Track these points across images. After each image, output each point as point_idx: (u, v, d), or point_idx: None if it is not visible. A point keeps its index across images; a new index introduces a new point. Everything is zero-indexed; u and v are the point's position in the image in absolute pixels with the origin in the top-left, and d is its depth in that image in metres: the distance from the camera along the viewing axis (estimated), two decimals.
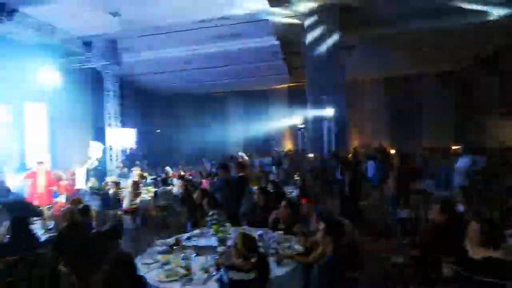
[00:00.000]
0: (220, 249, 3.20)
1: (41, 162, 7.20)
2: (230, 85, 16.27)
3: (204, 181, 7.93)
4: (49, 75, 9.41)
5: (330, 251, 2.41)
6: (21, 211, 5.35)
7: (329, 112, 8.33)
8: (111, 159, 10.63)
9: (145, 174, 9.06)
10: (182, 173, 8.74)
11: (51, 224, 4.68)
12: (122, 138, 11.64)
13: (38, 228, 4.33)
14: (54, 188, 7.28)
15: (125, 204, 6.60)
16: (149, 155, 14.34)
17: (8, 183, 6.95)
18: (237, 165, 5.55)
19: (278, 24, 9.33)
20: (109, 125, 10.72)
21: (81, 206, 4.32)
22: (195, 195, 4.72)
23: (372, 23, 9.37)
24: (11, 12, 7.59)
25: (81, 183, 8.01)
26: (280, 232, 3.72)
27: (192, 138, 16.83)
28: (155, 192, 6.73)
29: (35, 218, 4.68)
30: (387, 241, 5.15)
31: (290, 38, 10.32)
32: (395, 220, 4.95)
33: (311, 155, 9.11)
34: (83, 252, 3.47)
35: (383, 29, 9.76)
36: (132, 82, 14.06)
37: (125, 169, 10.14)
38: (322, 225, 2.49)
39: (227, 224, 3.88)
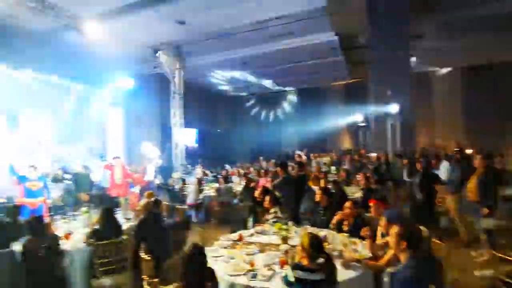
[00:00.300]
0: (283, 247, 3.22)
1: (117, 157, 8.10)
2: (286, 83, 16.27)
3: (262, 179, 8.06)
4: (125, 82, 10.58)
5: (405, 258, 2.24)
6: (105, 202, 6.13)
7: (394, 108, 7.78)
8: (176, 157, 11.46)
9: (207, 171, 9.57)
10: (242, 171, 9.01)
11: (126, 214, 5.25)
12: (185, 137, 12.48)
13: (119, 217, 4.86)
14: (130, 180, 8.13)
15: (190, 199, 7.08)
16: (209, 153, 15.10)
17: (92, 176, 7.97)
18: (296, 164, 5.52)
19: (337, 18, 8.99)
20: (175, 125, 11.56)
21: (153, 199, 4.74)
22: (256, 193, 4.82)
23: (444, 7, 8.43)
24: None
25: (151, 178, 8.82)
26: (344, 234, 3.60)
27: (249, 137, 17.25)
28: (218, 189, 7.08)
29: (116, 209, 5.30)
30: (468, 252, 4.64)
31: (349, 32, 9.89)
32: (479, 230, 4.40)
33: (373, 154, 8.63)
34: (159, 240, 3.83)
35: (457, 13, 8.68)
36: (195, 84, 14.92)
37: (189, 167, 10.83)
38: (395, 229, 2.32)
39: (290, 223, 3.88)
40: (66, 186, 7.28)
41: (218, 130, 18.46)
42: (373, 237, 3.19)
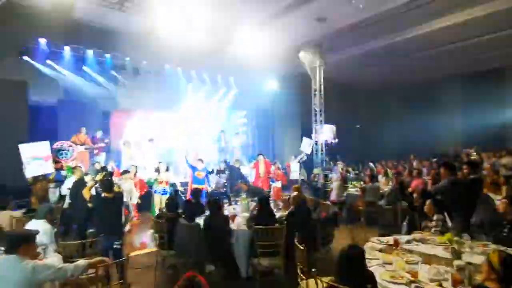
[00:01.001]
0: (457, 262, 2.72)
1: (261, 154, 9.02)
2: (443, 69, 13.66)
3: (415, 180, 7.12)
4: (271, 84, 11.60)
5: None
6: (257, 193, 6.90)
7: None
8: (316, 154, 11.65)
9: (349, 168, 9.27)
10: (389, 170, 8.24)
11: (277, 204, 5.72)
12: (325, 133, 12.50)
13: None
14: (271, 175, 8.87)
15: (333, 196, 7.04)
16: (349, 150, 14.57)
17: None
18: (467, 164, 4.55)
19: None
20: (315, 121, 11.76)
21: (296, 193, 4.98)
22: (415, 196, 4.29)
23: None
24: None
25: (296, 174, 9.30)
26: None
27: (393, 132, 15.45)
28: (364, 187, 6.74)
29: None
30: None
31: None
32: None
33: None
34: (307, 232, 4.00)
35: None
36: (334, 79, 14.67)
37: (331, 163, 10.80)
38: None
39: (465, 236, 3.25)
40: (227, 176, 8.69)
41: (358, 126, 17.54)
42: None
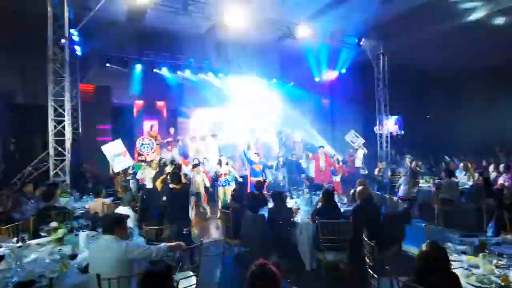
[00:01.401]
0: None
1: (321, 147, 8.79)
2: None
3: (501, 176, 6.25)
4: (331, 74, 11.21)
5: None
6: (316, 187, 6.79)
7: None
8: (381, 147, 10.96)
9: (419, 162, 8.50)
10: (469, 164, 7.32)
11: (341, 199, 5.55)
12: (390, 125, 11.68)
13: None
14: (332, 168, 8.60)
15: (402, 191, 6.55)
16: (417, 143, 13.35)
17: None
18: None
19: None
20: (379, 112, 11.05)
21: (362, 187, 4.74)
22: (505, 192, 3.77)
23: None
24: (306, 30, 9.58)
25: (359, 162, 8.93)
26: None
27: (476, 123, 13.47)
28: (439, 183, 6.13)
29: None
30: None
31: None
32: None
33: None
34: (375, 227, 3.80)
35: None
36: (400, 67, 13.52)
37: (397, 156, 10.07)
38: None
39: None
40: (286, 170, 8.72)
41: (428, 116, 15.93)
42: None
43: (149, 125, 9.78)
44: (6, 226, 3.72)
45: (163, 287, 1.82)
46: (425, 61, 13.08)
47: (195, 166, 7.20)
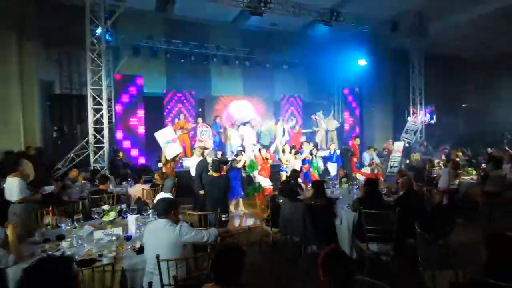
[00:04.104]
0: None
1: (357, 137, 8.59)
2: None
3: None
4: (360, 62, 10.80)
5: None
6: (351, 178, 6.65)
7: None
8: (414, 136, 10.54)
9: (459, 153, 8.10)
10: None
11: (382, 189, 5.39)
12: (424, 114, 11.18)
13: None
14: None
15: (442, 183, 6.28)
16: (453, 133, 12.72)
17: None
18: None
19: None
20: (414, 102, 10.59)
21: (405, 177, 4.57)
22: None
23: None
24: (337, 15, 9.27)
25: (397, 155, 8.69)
26: None
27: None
28: (484, 175, 5.81)
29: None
30: None
31: None
32: None
33: None
34: (423, 218, 3.67)
35: None
36: (438, 54, 12.80)
37: (430, 147, 9.66)
38: None
39: None
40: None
41: (464, 105, 15.10)
42: None
43: (178, 114, 9.91)
44: (60, 208, 3.91)
45: (239, 263, 1.85)
46: (464, 46, 12.31)
47: (237, 155, 7.09)
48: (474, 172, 6.61)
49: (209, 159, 5.76)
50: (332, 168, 8.10)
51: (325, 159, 8.49)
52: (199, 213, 4.03)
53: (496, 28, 10.30)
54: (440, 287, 2.64)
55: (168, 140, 6.60)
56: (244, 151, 7.50)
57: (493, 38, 11.18)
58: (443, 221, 3.84)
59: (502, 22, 9.73)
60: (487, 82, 13.89)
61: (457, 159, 7.39)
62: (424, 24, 10.19)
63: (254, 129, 9.49)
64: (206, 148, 7.52)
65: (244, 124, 9.28)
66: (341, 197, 4.88)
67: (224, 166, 5.45)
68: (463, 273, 2.37)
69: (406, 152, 9.25)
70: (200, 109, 11.20)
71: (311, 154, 7.64)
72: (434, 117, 12.61)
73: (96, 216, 3.66)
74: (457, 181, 6.19)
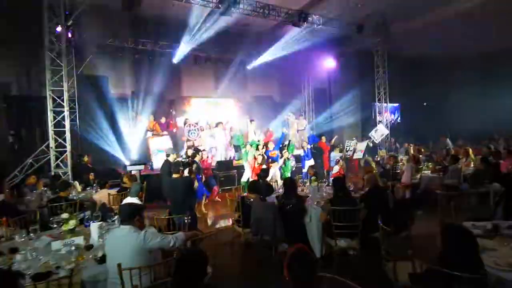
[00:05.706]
0: None
1: (323, 135, 8.81)
2: None
3: (506, 160, 6.35)
4: (329, 63, 11.09)
5: None
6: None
7: None
8: (381, 135, 11.00)
9: (421, 149, 8.57)
10: (471, 150, 7.39)
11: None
12: (389, 113, 11.71)
13: None
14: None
15: (405, 178, 6.60)
16: (415, 130, 13.44)
17: None
18: None
19: None
20: (379, 101, 11.05)
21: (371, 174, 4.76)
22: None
23: None
24: (305, 17, 9.44)
25: (360, 154, 8.99)
26: None
27: (474, 110, 13.48)
28: (441, 169, 6.19)
29: None
30: None
31: None
32: None
33: None
34: (388, 214, 3.84)
35: None
36: (400, 55, 13.43)
37: (397, 144, 10.14)
38: None
39: None
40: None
41: (425, 104, 16.02)
42: None
43: (147, 116, 9.63)
44: (14, 218, 3.65)
45: (200, 270, 1.82)
46: (423, 48, 13.03)
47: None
48: (431, 165, 7.02)
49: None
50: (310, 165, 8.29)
51: (302, 158, 8.63)
52: (167, 217, 3.93)
53: (450, 31, 11.01)
54: (400, 278, 2.78)
55: (160, 149, 6.45)
56: (214, 151, 7.50)
57: (449, 41, 11.94)
58: (404, 215, 4.04)
59: (455, 26, 10.41)
60: (446, 83, 14.82)
61: (420, 155, 7.81)
62: (387, 25, 10.64)
63: (226, 130, 9.43)
64: (194, 147, 7.41)
65: (216, 125, 9.19)
66: (310, 195, 4.97)
67: (187, 169, 5.36)
68: (421, 263, 2.49)
69: (373, 149, 9.65)
70: (171, 110, 10.94)
71: (281, 153, 7.74)
72: (400, 114, 13.30)
73: (55, 225, 3.46)
74: (418, 176, 6.54)
